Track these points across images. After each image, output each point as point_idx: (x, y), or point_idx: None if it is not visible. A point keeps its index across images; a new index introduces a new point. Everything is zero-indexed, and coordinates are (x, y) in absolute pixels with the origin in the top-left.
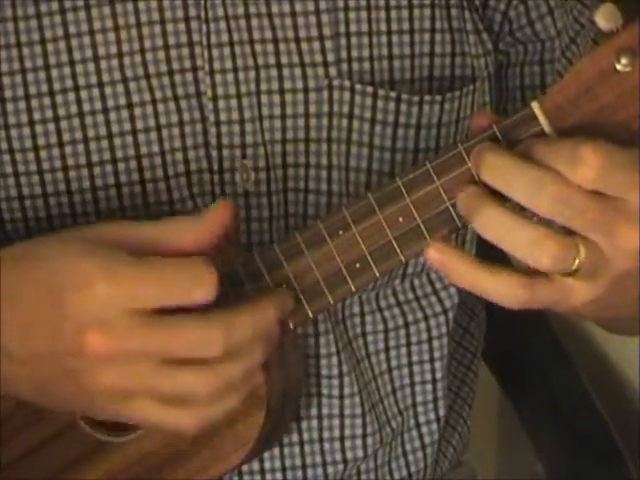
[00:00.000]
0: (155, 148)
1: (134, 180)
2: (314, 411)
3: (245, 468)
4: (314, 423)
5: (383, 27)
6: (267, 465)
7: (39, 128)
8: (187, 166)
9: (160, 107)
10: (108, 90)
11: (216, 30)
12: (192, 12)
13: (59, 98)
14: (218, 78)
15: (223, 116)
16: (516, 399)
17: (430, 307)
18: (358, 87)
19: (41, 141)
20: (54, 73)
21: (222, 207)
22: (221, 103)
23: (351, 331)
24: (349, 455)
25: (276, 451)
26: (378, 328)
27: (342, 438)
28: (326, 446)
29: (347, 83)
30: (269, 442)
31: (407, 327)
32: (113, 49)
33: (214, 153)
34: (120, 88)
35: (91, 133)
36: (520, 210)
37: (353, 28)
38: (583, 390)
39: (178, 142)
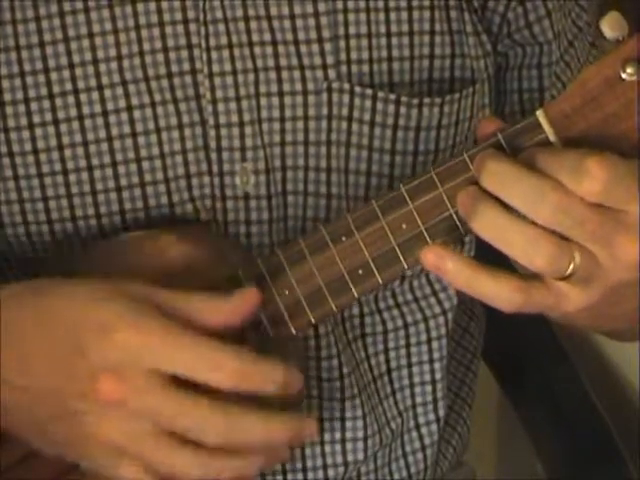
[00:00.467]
0: (155, 151)
1: (134, 183)
2: (315, 413)
3: None
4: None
5: (382, 29)
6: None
7: (38, 131)
8: (187, 169)
9: (159, 110)
10: (107, 93)
11: (215, 33)
12: (191, 14)
13: (58, 101)
14: (217, 81)
15: (222, 119)
16: (516, 399)
17: (429, 308)
18: (357, 89)
19: (41, 144)
20: (53, 76)
21: (252, 294)
22: (220, 106)
23: (350, 333)
24: (350, 457)
25: None
26: (377, 329)
27: (343, 440)
28: (327, 448)
29: (346, 86)
30: None
31: (406, 328)
32: (112, 52)
33: (214, 156)
34: (119, 91)
35: (91, 136)
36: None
37: (352, 30)
38: (583, 390)
39: (178, 145)
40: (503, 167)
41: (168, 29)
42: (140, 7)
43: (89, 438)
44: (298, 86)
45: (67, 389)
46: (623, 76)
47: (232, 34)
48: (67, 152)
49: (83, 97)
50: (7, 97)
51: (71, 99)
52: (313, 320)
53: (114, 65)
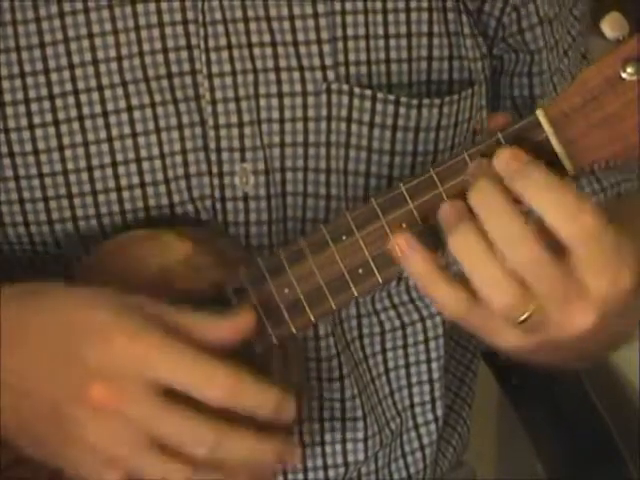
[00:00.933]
0: (155, 151)
1: (134, 183)
2: (315, 414)
3: None
4: (315, 426)
5: (380, 31)
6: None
7: (39, 132)
8: (187, 169)
9: (159, 110)
10: (107, 93)
11: (214, 34)
12: (190, 16)
13: (59, 102)
14: (216, 81)
15: (222, 119)
16: (516, 399)
17: (426, 308)
18: (356, 90)
19: (41, 145)
20: (53, 77)
21: (249, 313)
22: (220, 106)
23: (348, 334)
24: (350, 458)
25: None
26: (375, 330)
27: (343, 441)
28: (327, 449)
29: (345, 87)
30: None
31: (403, 329)
32: (112, 52)
33: (213, 156)
34: (119, 91)
35: (91, 136)
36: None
37: (350, 32)
38: (583, 390)
39: (177, 145)
40: (495, 192)
41: (168, 30)
42: (140, 8)
43: (76, 442)
44: (297, 87)
45: (60, 391)
46: (623, 76)
47: (231, 35)
48: (67, 153)
49: (83, 98)
50: (7, 98)
51: (71, 100)
52: (313, 319)
53: (114, 66)
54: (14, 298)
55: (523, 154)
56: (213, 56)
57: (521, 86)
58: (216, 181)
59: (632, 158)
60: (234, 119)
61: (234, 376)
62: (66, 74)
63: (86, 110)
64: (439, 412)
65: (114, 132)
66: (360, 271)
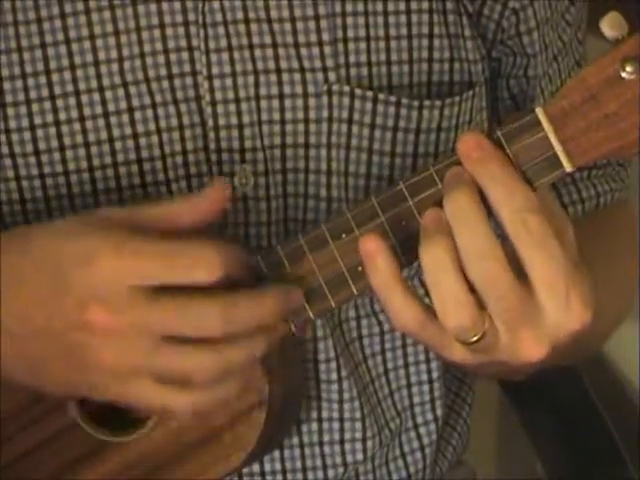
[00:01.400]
0: (156, 152)
1: (135, 184)
2: (314, 414)
3: (245, 470)
4: (314, 426)
5: (381, 32)
6: (267, 467)
7: (40, 132)
8: (187, 170)
9: (160, 111)
10: (109, 94)
11: (214, 35)
12: (191, 17)
13: (60, 102)
14: (217, 83)
15: (222, 120)
16: (516, 399)
17: None
18: (358, 92)
19: (42, 145)
20: (55, 77)
21: (219, 186)
22: (220, 108)
23: (347, 335)
24: (349, 458)
25: (276, 453)
26: (374, 331)
27: (342, 441)
28: (326, 449)
29: (346, 88)
30: (270, 444)
31: None
32: (113, 53)
33: (213, 157)
34: (120, 92)
35: (92, 137)
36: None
37: (351, 34)
38: (583, 390)
39: (178, 146)
40: (467, 205)
41: (169, 31)
42: (141, 9)
43: (92, 368)
44: (298, 89)
45: (59, 325)
46: (623, 75)
47: (232, 37)
48: (69, 153)
49: (84, 99)
50: (9, 98)
51: (72, 100)
52: (312, 316)
53: (115, 67)
54: (5, 244)
55: (486, 142)
56: (213, 57)
57: (518, 87)
58: None
59: (630, 156)
60: (234, 120)
61: (217, 248)
62: (67, 75)
63: (87, 111)
64: (439, 412)
65: (115, 133)
66: (359, 269)
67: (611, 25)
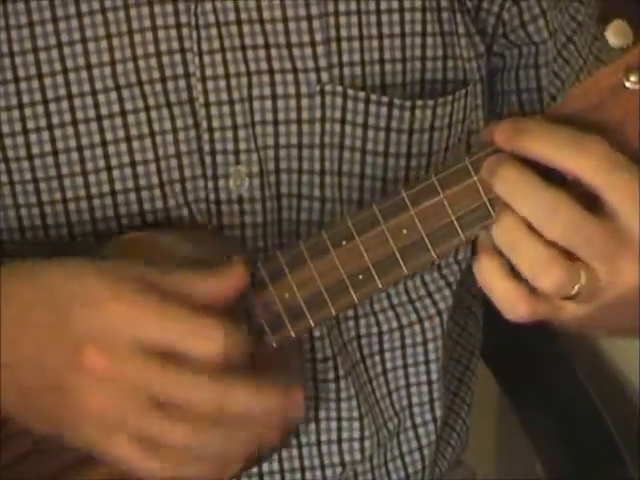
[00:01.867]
0: (149, 155)
1: (129, 187)
2: (311, 414)
3: None
4: (312, 426)
5: (374, 31)
6: (265, 468)
7: (33, 137)
8: (181, 173)
9: (153, 114)
10: (101, 98)
11: (207, 37)
12: (183, 19)
13: (52, 106)
14: (210, 85)
15: (216, 122)
16: (516, 399)
17: (424, 309)
18: (350, 92)
19: (35, 150)
20: (47, 81)
21: (241, 265)
22: (213, 109)
23: (345, 334)
24: (347, 458)
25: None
26: (372, 331)
27: (339, 441)
28: (324, 449)
29: (339, 88)
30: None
31: (401, 330)
32: (106, 57)
33: (208, 159)
34: (113, 96)
35: (85, 141)
36: None
37: (344, 33)
38: (583, 390)
39: (172, 149)
40: (517, 174)
41: (161, 33)
42: (133, 12)
43: (78, 411)
44: (291, 89)
45: (54, 361)
46: (627, 84)
47: (224, 38)
48: (61, 157)
49: (77, 102)
50: (1, 103)
51: (65, 104)
52: (313, 324)
53: (107, 70)
54: (13, 276)
55: (512, 121)
56: (206, 59)
57: (527, 79)
58: (211, 184)
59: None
60: (228, 122)
61: (225, 328)
62: (59, 79)
63: (80, 114)
64: (438, 413)
65: (108, 136)
66: (360, 277)
67: (616, 33)
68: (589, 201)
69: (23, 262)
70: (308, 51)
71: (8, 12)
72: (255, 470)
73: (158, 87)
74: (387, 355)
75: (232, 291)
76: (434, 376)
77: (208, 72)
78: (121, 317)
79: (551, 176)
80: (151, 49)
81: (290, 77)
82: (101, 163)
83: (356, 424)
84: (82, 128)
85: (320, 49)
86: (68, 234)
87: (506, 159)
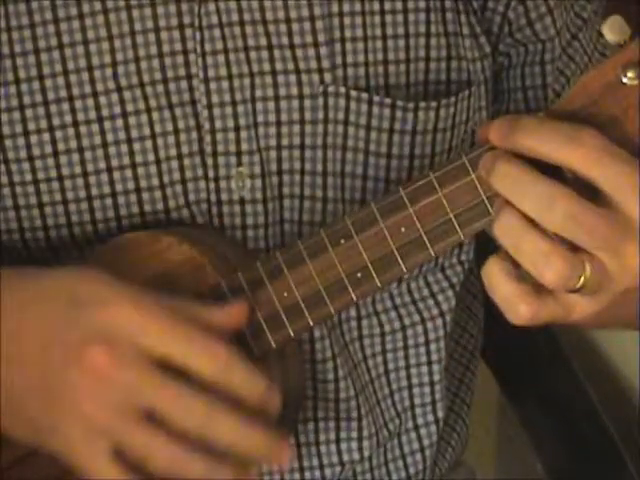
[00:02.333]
0: (150, 157)
1: (130, 189)
2: (310, 414)
3: None
4: (310, 426)
5: (378, 32)
6: (264, 467)
7: (34, 138)
8: (182, 174)
9: (155, 115)
10: (102, 99)
11: (210, 38)
12: (186, 20)
13: (53, 108)
14: (213, 85)
15: (218, 123)
16: (516, 399)
17: (427, 310)
18: (353, 94)
19: (36, 151)
20: (48, 83)
21: (241, 306)
22: (216, 111)
23: (347, 335)
24: (345, 457)
25: None
26: (375, 331)
27: (338, 441)
28: (322, 449)
29: (342, 89)
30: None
31: (404, 330)
32: (107, 58)
33: (209, 161)
34: (114, 97)
35: (86, 142)
36: None
37: (348, 34)
38: (583, 390)
39: (173, 150)
40: (514, 170)
41: (164, 35)
42: (135, 13)
43: (66, 411)
44: (294, 90)
45: (57, 355)
46: (624, 80)
47: (228, 39)
48: (62, 159)
49: (78, 104)
50: (2, 105)
51: (66, 106)
52: (311, 323)
53: (109, 71)
54: (15, 277)
55: (506, 118)
56: (209, 60)
57: (533, 75)
58: (212, 185)
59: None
60: (230, 123)
61: (229, 350)
62: (61, 80)
63: (81, 116)
64: (440, 414)
65: (109, 138)
66: (359, 275)
67: (613, 30)
68: (590, 194)
69: (25, 268)
70: (311, 52)
71: (9, 13)
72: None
73: (160, 89)
74: (389, 356)
75: (233, 324)
76: (436, 377)
77: (211, 73)
78: (131, 322)
79: (549, 172)
80: (153, 50)
81: (293, 78)
82: (102, 164)
83: (354, 424)
84: (83, 130)
85: (323, 50)
86: (68, 235)
87: (502, 155)
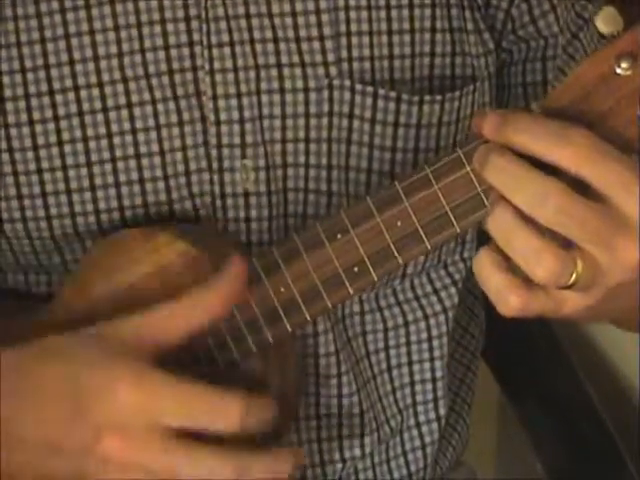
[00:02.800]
0: (154, 148)
1: (133, 179)
2: (312, 410)
3: None
4: (312, 422)
5: (384, 27)
6: None
7: (38, 127)
8: (186, 166)
9: (160, 107)
10: (108, 90)
11: (216, 30)
12: (192, 12)
13: (59, 97)
14: (218, 77)
15: (223, 115)
16: (516, 399)
17: (430, 306)
18: (358, 87)
19: (40, 140)
20: (54, 72)
21: (238, 263)
22: (221, 102)
23: (350, 330)
24: (347, 454)
25: None
26: (378, 327)
27: (340, 437)
28: (324, 445)
29: (347, 83)
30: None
31: (407, 326)
32: (113, 49)
33: (214, 152)
34: (120, 88)
35: (90, 132)
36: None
37: (353, 28)
38: (583, 390)
39: (178, 142)
40: (508, 163)
41: (170, 26)
42: (142, 4)
43: None
44: (299, 83)
45: (73, 447)
46: (618, 71)
47: (233, 31)
48: (67, 148)
49: (83, 94)
50: (7, 93)
51: (71, 96)
52: (308, 317)
53: (115, 62)
54: (13, 366)
55: (498, 112)
56: (215, 52)
57: (534, 71)
58: (216, 177)
59: (626, 153)
60: (235, 115)
61: (241, 402)
62: (66, 70)
63: (86, 106)
64: (442, 411)
65: (114, 128)
66: (355, 269)
67: (606, 21)
68: (583, 188)
69: (22, 348)
70: (317, 45)
71: (16, 2)
72: None
73: (165, 80)
74: (392, 352)
75: (236, 288)
76: (438, 373)
77: (217, 65)
78: (134, 403)
79: (543, 165)
80: (159, 42)
81: (298, 71)
82: (106, 155)
83: (356, 420)
84: (88, 119)
85: (329, 43)
86: (71, 225)
87: (496, 148)
